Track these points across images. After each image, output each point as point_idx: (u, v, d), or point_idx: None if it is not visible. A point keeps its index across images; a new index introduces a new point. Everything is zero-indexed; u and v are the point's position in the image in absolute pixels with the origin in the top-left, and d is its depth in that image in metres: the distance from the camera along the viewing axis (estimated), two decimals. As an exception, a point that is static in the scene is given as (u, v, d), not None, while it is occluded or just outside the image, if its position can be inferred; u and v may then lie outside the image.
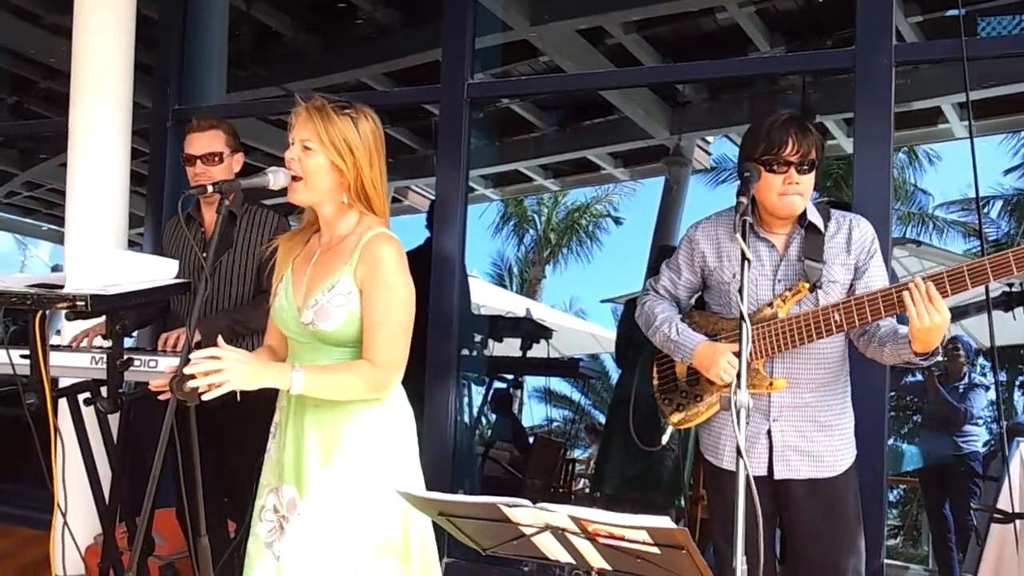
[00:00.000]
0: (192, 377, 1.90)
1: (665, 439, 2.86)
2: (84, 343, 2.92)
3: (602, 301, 12.97)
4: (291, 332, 2.15)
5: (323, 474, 2.06)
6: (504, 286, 16.42)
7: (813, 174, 2.36)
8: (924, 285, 2.08)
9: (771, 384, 2.37)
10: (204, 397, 1.90)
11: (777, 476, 2.42)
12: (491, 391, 7.02)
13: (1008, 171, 12.48)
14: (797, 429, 2.42)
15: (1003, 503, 2.94)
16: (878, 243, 2.47)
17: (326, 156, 2.05)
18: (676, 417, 2.57)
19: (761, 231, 2.46)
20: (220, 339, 1.96)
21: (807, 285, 2.36)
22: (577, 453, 9.66)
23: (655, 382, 2.68)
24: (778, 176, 2.34)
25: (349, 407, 2.07)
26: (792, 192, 2.35)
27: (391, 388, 2.08)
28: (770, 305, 2.39)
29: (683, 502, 5.26)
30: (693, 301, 2.73)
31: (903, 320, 2.28)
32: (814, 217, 2.43)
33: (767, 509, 2.45)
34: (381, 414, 2.11)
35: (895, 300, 2.19)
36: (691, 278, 2.60)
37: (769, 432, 2.42)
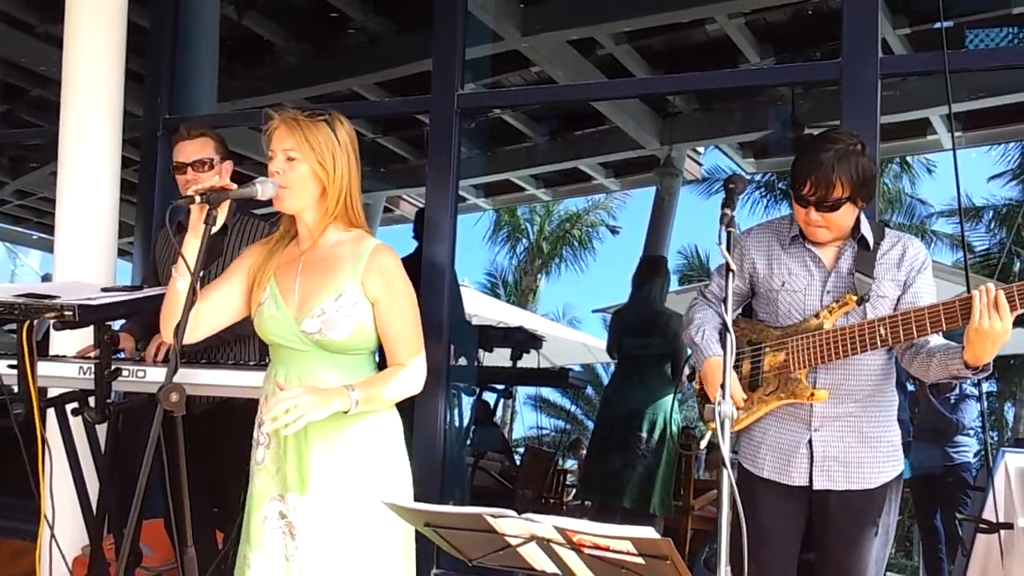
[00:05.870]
0: (180, 387, 1.92)
1: (704, 443, 3.00)
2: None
3: (594, 311, 12.99)
4: (286, 340, 2.15)
5: (329, 479, 2.10)
6: (497, 296, 16.43)
7: (846, 208, 2.33)
8: (994, 291, 2.05)
9: (812, 395, 2.35)
10: (287, 431, 1.99)
11: (816, 486, 2.40)
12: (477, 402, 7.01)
13: (1003, 181, 12.52)
14: (840, 439, 2.40)
15: (988, 514, 2.95)
16: (930, 262, 2.44)
17: (310, 165, 2.10)
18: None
19: (809, 243, 2.45)
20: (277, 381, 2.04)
21: (855, 298, 2.34)
22: (568, 463, 9.64)
23: (696, 386, 2.65)
24: (801, 209, 2.36)
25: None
26: (813, 225, 2.36)
27: (424, 379, 2.21)
28: (816, 316, 2.37)
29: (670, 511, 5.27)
30: (740, 308, 2.68)
31: (951, 337, 2.26)
32: (866, 232, 2.41)
33: (796, 523, 2.46)
34: (383, 418, 2.16)
35: (942, 317, 2.17)
36: (740, 284, 2.56)
37: (810, 442, 2.40)
